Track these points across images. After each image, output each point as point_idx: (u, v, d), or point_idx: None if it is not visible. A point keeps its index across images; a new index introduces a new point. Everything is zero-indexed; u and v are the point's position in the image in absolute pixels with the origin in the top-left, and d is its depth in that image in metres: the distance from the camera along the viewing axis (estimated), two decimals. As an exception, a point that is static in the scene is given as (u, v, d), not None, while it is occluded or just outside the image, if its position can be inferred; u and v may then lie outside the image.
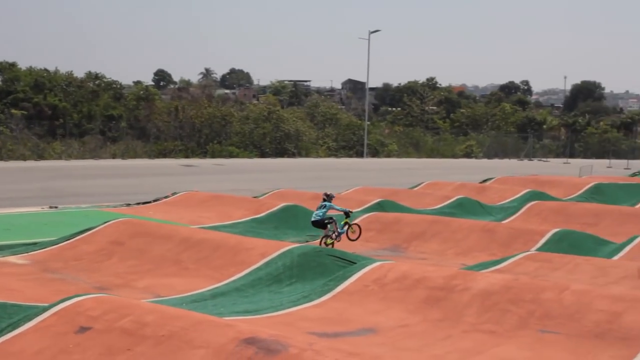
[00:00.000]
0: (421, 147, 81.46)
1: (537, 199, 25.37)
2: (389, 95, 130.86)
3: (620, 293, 9.77)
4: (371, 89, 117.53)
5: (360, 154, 73.38)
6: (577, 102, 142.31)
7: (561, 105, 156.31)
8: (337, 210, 16.36)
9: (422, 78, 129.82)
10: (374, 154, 75.44)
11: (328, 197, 16.55)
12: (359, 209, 22.41)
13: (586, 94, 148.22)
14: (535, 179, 34.04)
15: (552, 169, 56.33)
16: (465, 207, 24.24)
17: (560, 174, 45.23)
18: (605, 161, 72.05)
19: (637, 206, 25.68)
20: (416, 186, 31.19)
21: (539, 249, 15.90)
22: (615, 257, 15.66)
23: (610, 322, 8.89)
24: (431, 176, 38.85)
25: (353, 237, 16.50)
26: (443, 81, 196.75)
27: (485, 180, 34.02)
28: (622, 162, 68.64)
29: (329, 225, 16.23)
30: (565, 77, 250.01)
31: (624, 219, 21.33)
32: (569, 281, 11.25)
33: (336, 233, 16.27)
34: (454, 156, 79.30)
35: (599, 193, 29.03)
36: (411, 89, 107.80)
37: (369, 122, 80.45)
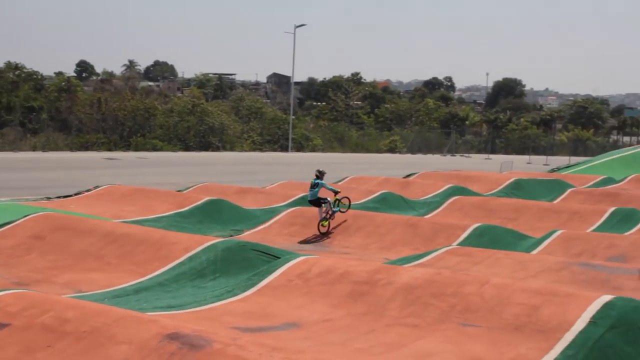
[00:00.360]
0: (346, 142, 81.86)
1: (459, 194, 25.74)
2: (314, 90, 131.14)
3: (538, 287, 10.01)
4: (296, 83, 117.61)
5: (285, 148, 73.40)
6: (498, 99, 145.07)
7: (483, 102, 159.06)
8: (328, 189, 18.51)
9: (347, 73, 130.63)
10: (299, 148, 75.52)
11: (320, 174, 18.38)
12: (284, 203, 22.43)
13: (507, 91, 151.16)
14: (457, 174, 34.51)
15: (474, 165, 57.18)
16: (388, 202, 24.45)
17: (482, 169, 45.94)
18: (525, 157, 73.48)
19: (556, 202, 26.29)
20: (340, 181, 31.33)
21: (460, 244, 16.15)
22: (534, 252, 16.03)
23: (529, 315, 9.10)
24: (355, 171, 39.04)
25: (344, 209, 18.72)
26: (368, 76, 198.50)
27: (408, 175, 34.35)
28: (542, 158, 70.07)
29: (323, 205, 18.09)
30: (487, 74, 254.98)
31: (542, 214, 21.82)
32: (489, 275, 11.46)
33: (330, 212, 18.23)
34: (379, 151, 79.89)
35: (519, 189, 29.59)
36: (336, 84, 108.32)
37: (294, 117, 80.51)
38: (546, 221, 20.91)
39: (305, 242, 17.54)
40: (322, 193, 18.56)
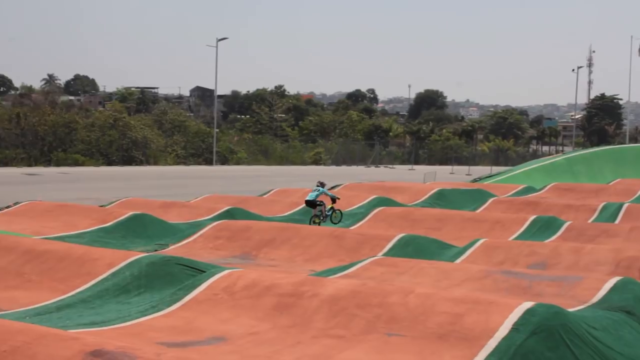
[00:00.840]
0: (270, 155, 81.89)
1: (384, 204, 25.94)
2: (238, 103, 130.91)
3: (461, 295, 10.15)
4: (220, 96, 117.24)
5: (209, 162, 73.02)
6: (421, 110, 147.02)
7: (406, 113, 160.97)
8: (329, 195, 20.47)
9: (270, 86, 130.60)
10: (224, 161, 75.24)
11: (322, 185, 20.89)
12: (209, 217, 22.28)
13: (430, 103, 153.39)
14: (381, 185, 34.81)
15: (398, 176, 57.80)
16: (314, 214, 24.51)
17: (406, 180, 46.47)
18: (448, 167, 74.59)
19: (478, 211, 26.73)
20: (265, 193, 31.31)
21: (385, 254, 16.26)
22: (458, 261, 16.24)
23: (452, 323, 9.22)
24: (280, 183, 39.08)
25: (335, 221, 20.29)
26: (291, 89, 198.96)
27: (333, 187, 34.51)
28: (464, 169, 71.27)
29: (318, 206, 19.88)
30: (409, 86, 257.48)
31: (465, 224, 22.14)
32: (413, 285, 11.58)
33: (324, 215, 20.01)
34: (303, 163, 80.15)
35: (442, 199, 30.00)
36: (260, 97, 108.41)
37: (218, 130, 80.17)
38: (469, 230, 21.22)
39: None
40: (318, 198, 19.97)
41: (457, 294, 10.23)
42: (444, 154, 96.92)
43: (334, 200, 20.48)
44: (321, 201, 19.88)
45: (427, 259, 15.48)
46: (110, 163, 65.76)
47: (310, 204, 20.10)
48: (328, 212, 20.26)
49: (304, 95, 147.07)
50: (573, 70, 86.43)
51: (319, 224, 19.46)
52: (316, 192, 20.17)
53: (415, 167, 77.84)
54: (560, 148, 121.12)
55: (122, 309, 11.01)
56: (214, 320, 10.20)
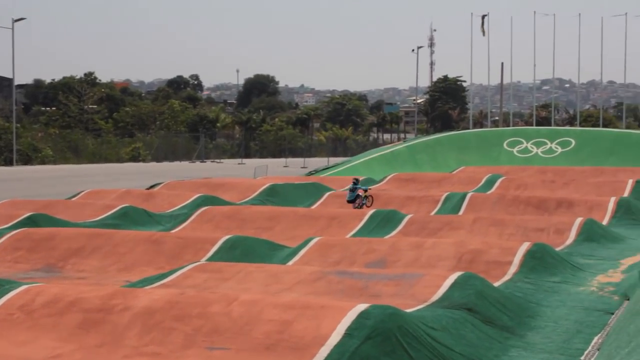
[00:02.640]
0: (81, 152, 79.94)
1: (209, 204, 25.89)
2: (41, 93, 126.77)
3: (290, 300, 10.24)
4: (19, 86, 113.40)
5: (9, 162, 70.46)
6: (251, 98, 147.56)
7: (235, 102, 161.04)
8: (363, 189, 26.44)
9: (79, 73, 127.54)
10: (26, 161, 72.79)
11: (357, 181, 26.81)
12: (6, 226, 21.48)
13: (260, 89, 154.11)
14: (207, 182, 34.70)
15: (226, 171, 57.74)
16: (130, 217, 24.16)
17: (235, 175, 46.52)
18: (282, 160, 75.25)
19: (313, 207, 27.12)
20: (74, 196, 30.53)
21: (210, 259, 16.22)
22: (290, 262, 16.40)
23: (280, 332, 9.28)
24: (93, 184, 38.28)
25: (369, 204, 25.87)
26: (104, 76, 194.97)
27: (153, 186, 34.13)
28: (299, 161, 72.05)
29: (357, 200, 25.78)
30: (237, 71, 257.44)
31: (299, 221, 22.41)
32: (239, 291, 11.59)
33: (360, 202, 25.75)
34: (119, 160, 78.78)
35: (275, 195, 30.25)
36: (67, 86, 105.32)
37: (18, 125, 77.44)
38: (303, 228, 21.48)
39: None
40: None
41: (285, 300, 10.32)
42: (277, 145, 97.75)
43: (366, 190, 26.56)
44: (358, 195, 25.93)
45: (257, 262, 15.57)
46: None
47: (351, 202, 25.89)
48: (364, 200, 25.99)
49: (118, 83, 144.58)
50: (413, 50, 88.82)
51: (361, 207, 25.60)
52: (352, 193, 25.96)
53: (246, 160, 78.03)
54: (402, 135, 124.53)
55: None
56: (9, 344, 9.85)
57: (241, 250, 16.98)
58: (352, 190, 26.10)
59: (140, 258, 16.99)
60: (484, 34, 69.47)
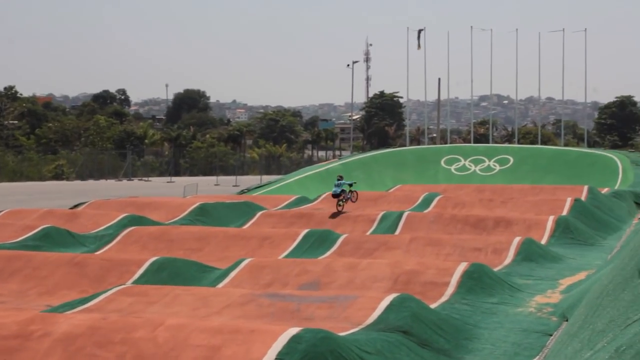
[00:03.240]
0: (1, 169, 78.68)
1: (136, 224, 25.65)
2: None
3: (219, 325, 10.16)
4: None
5: None
6: (180, 113, 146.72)
7: (164, 117, 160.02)
8: (347, 184, 29.32)
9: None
10: (-61, 180, 71.41)
11: (341, 178, 29.83)
12: None
13: (190, 104, 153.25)
14: (134, 201, 34.36)
15: (155, 189, 57.31)
16: (52, 238, 23.79)
17: (164, 194, 46.21)
18: (213, 178, 74.82)
19: (245, 227, 27.01)
20: (-10, 218, 29.96)
21: (136, 281, 16.07)
22: (220, 285, 16.32)
23: (208, 358, 9.21)
24: (13, 203, 37.70)
25: (354, 199, 29.47)
26: (25, 91, 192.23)
27: (76, 206, 33.67)
28: (231, 179, 71.70)
29: (342, 195, 28.50)
30: (167, 86, 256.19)
31: (230, 242, 22.31)
32: (165, 315, 11.48)
33: (346, 197, 28.72)
34: (42, 178, 77.64)
35: (205, 214, 30.05)
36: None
37: None
38: (234, 249, 21.41)
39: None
40: None
41: (214, 324, 10.24)
42: (208, 163, 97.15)
43: (351, 185, 29.58)
44: (343, 189, 28.68)
45: (185, 285, 15.46)
46: None
47: (337, 196, 28.57)
48: (348, 195, 29.06)
49: (40, 98, 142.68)
50: (348, 65, 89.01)
51: (342, 206, 28.42)
52: (338, 188, 28.60)
53: (175, 179, 77.47)
54: (338, 152, 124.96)
55: None
56: None
57: (169, 273, 16.85)
58: (337, 185, 28.84)
59: (62, 281, 16.76)
60: (419, 47, 70.00)
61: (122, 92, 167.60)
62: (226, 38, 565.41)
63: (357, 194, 29.82)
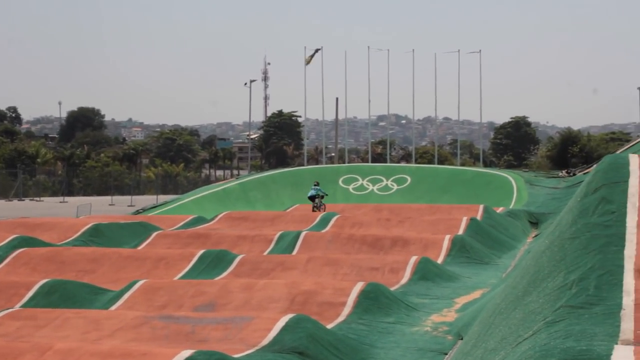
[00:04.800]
0: None
1: (26, 245, 25.06)
2: None
3: (110, 348, 10.01)
4: None
5: None
6: (74, 132, 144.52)
7: (57, 136, 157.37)
8: (322, 192, 36.61)
9: None
10: None
11: (317, 184, 36.88)
12: None
13: (85, 123, 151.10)
14: (24, 222, 33.62)
15: (47, 210, 56.33)
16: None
17: (56, 214, 45.35)
18: (108, 198, 73.93)
19: (140, 248, 26.67)
20: None
21: (24, 305, 15.74)
22: (113, 307, 16.09)
23: (98, 382, 9.05)
24: None
25: (322, 211, 34.74)
26: None
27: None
28: (127, 199, 70.95)
29: (316, 200, 35.45)
30: (60, 103, 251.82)
31: (124, 263, 22.04)
32: (54, 340, 11.24)
33: (319, 204, 35.79)
34: None
35: (99, 235, 29.58)
36: None
37: None
38: (128, 270, 21.16)
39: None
40: None
41: (104, 347, 10.08)
42: (103, 182, 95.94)
43: (323, 196, 36.66)
44: (319, 194, 35.73)
45: (77, 308, 15.18)
46: None
47: (312, 198, 36.12)
48: (322, 201, 36.46)
49: None
50: (246, 84, 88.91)
51: (318, 209, 35.39)
52: (315, 191, 36.34)
53: (68, 199, 76.25)
54: (236, 172, 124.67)
55: None
56: None
57: (60, 295, 16.55)
58: (313, 189, 36.45)
59: (-53, 306, 16.28)
60: (307, 63, 70.10)
61: (13, 109, 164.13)
62: (121, 55, 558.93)
63: (325, 206, 35.85)
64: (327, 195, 36.78)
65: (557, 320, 7.99)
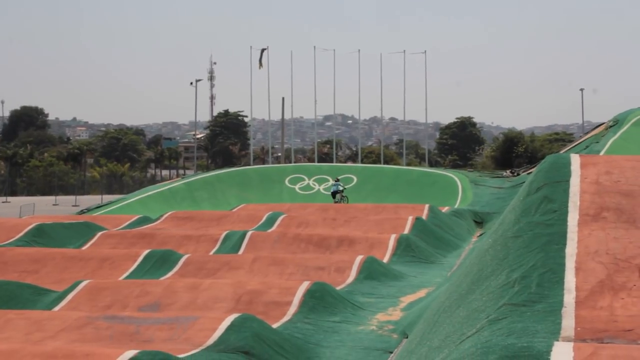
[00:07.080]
0: None
1: (-33, 246, 24.79)
2: None
3: (53, 350, 9.93)
4: None
5: None
6: (17, 131, 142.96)
7: (0, 135, 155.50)
8: (342, 186, 42.61)
9: None
10: None
11: (338, 180, 43.10)
12: None
13: (28, 122, 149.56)
14: (-34, 222, 33.19)
15: (-11, 210, 55.59)
16: None
17: (-1, 215, 44.78)
18: (52, 198, 73.20)
19: (84, 248, 26.45)
20: None
21: (-35, 306, 15.50)
22: (57, 308, 15.93)
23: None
24: None
25: (345, 202, 41.11)
26: None
27: None
28: (71, 199, 70.36)
29: (337, 195, 41.43)
30: (2, 102, 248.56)
31: (68, 263, 21.84)
32: (-3, 341, 11.12)
33: (341, 197, 41.59)
34: None
35: (42, 235, 29.27)
36: None
37: None
38: (72, 271, 20.98)
39: None
40: None
41: (47, 348, 9.99)
42: (47, 182, 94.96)
43: (342, 190, 42.43)
44: (340, 189, 42.34)
45: (20, 309, 15.01)
46: None
47: (333, 194, 42.36)
48: (344, 194, 42.51)
49: None
50: (191, 83, 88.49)
51: (341, 201, 41.73)
52: (336, 187, 42.46)
53: (11, 199, 75.45)
54: (182, 171, 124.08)
55: None
56: None
57: (1, 296, 16.36)
58: (334, 185, 42.16)
59: None
60: (260, 67, 70.10)
61: None
62: (65, 53, 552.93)
63: (347, 198, 42.11)
64: (345, 188, 42.75)
65: (499, 318, 8.09)
